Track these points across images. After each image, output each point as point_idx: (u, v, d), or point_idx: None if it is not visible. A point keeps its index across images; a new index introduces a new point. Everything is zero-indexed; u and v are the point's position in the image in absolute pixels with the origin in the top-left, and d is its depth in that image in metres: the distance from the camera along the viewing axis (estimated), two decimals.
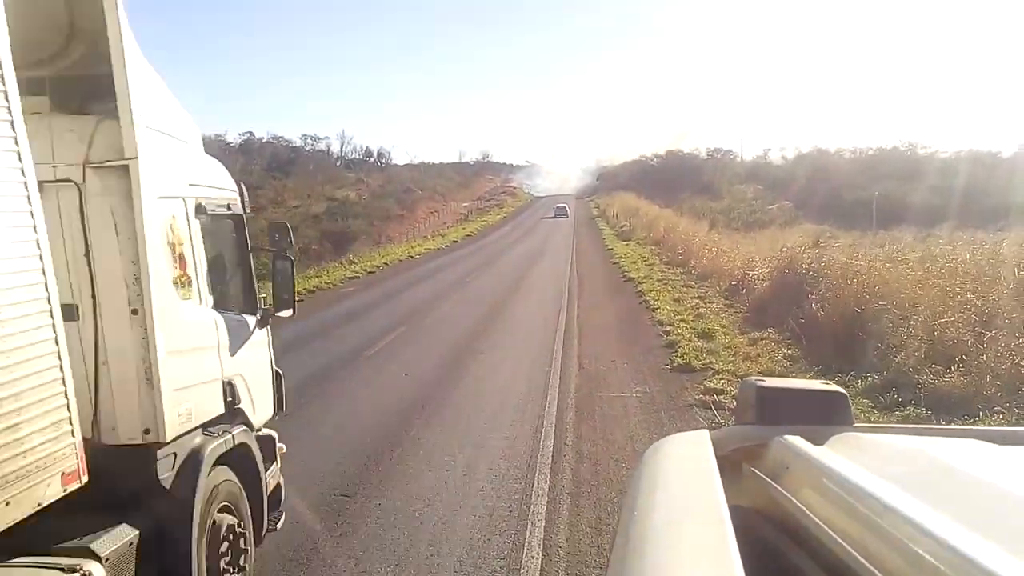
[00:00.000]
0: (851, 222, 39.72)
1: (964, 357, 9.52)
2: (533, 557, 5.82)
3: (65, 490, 3.46)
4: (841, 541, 1.03)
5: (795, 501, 1.21)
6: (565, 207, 75.10)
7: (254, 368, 5.44)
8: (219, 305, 4.89)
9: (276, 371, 6.06)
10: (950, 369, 9.40)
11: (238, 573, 4.74)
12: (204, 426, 4.54)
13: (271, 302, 5.78)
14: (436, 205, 73.59)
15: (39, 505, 3.31)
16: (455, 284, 24.99)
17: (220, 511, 4.58)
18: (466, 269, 29.64)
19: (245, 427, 5.06)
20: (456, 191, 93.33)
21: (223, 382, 4.80)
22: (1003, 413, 8.17)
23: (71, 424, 3.51)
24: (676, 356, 12.70)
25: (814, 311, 13.22)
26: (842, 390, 1.58)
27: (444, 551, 5.92)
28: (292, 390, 11.02)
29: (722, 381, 10.74)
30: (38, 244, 3.37)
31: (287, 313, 5.83)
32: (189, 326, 4.43)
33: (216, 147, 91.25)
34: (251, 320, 5.44)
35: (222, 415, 4.78)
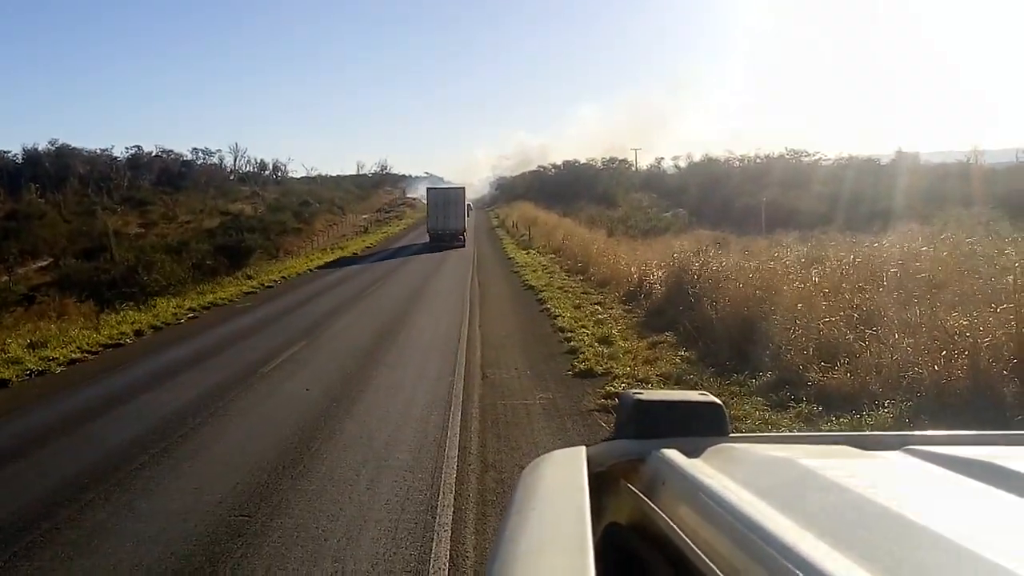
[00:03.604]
0: (743, 227, 40.95)
1: (847, 355, 9.94)
2: (440, 569, 5.80)
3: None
4: (706, 558, 1.03)
5: (666, 517, 1.20)
6: (470, 206, 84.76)
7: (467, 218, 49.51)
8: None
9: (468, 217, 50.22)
10: (836, 367, 9.78)
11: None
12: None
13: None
14: (335, 218, 72.31)
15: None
16: (356, 296, 24.67)
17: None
18: (366, 280, 29.29)
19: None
20: (355, 203, 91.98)
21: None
22: (887, 408, 8.51)
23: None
24: (577, 362, 12.87)
25: (708, 314, 13.61)
26: (718, 400, 1.60)
27: (349, 568, 5.84)
28: (186, 411, 10.69)
29: (622, 385, 10.92)
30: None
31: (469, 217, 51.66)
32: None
33: (102, 163, 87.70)
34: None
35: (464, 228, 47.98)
